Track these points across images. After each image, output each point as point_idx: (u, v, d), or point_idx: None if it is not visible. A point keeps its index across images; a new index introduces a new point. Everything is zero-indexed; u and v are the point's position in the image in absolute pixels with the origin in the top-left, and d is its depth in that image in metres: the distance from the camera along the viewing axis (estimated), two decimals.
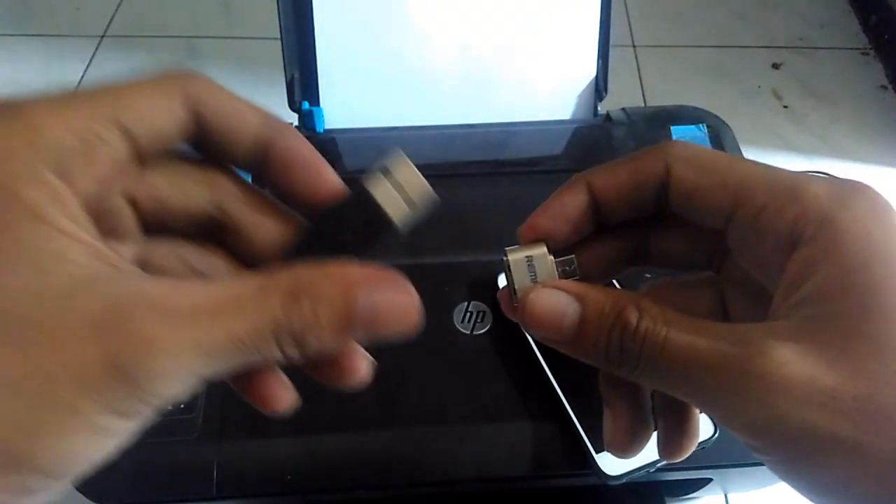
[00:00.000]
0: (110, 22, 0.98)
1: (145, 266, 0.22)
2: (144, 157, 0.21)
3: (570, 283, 0.23)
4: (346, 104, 0.60)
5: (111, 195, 0.20)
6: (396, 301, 0.20)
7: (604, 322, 0.22)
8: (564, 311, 0.22)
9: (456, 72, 0.60)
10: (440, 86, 0.60)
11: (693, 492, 0.51)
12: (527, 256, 0.25)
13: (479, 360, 0.44)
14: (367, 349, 0.22)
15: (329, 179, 0.22)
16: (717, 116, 0.59)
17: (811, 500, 0.20)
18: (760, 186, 0.22)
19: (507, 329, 0.45)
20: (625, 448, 0.26)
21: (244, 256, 0.23)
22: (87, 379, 0.16)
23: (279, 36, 0.56)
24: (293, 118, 0.60)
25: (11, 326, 0.16)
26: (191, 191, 0.22)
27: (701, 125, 0.58)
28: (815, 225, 0.21)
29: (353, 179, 0.22)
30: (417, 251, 0.47)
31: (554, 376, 0.42)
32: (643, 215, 0.25)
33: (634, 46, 0.97)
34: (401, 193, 0.22)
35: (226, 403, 0.40)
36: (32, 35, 0.96)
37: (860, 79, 0.94)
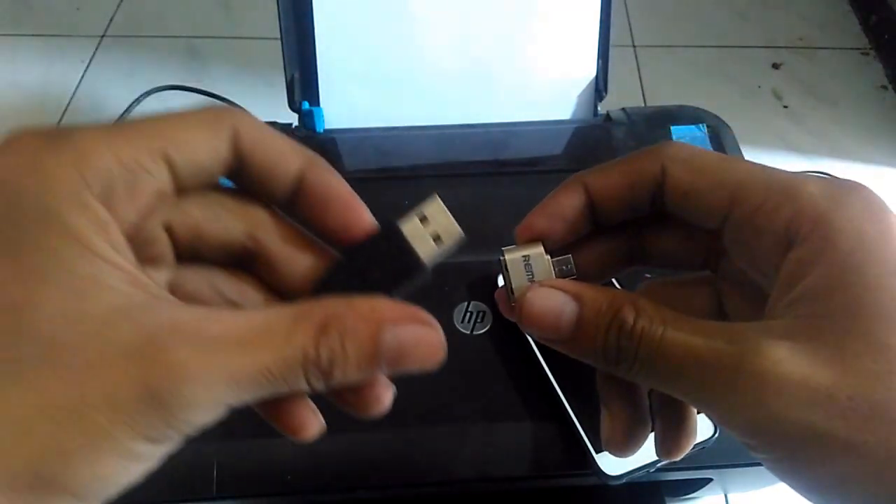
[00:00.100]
0: (110, 22, 0.98)
1: (177, 292, 0.22)
2: (185, 188, 0.21)
3: (567, 283, 0.23)
4: (346, 104, 0.60)
5: (150, 223, 0.21)
6: (422, 338, 0.20)
7: (601, 321, 0.22)
8: (562, 311, 0.22)
9: (456, 72, 0.60)
10: (440, 86, 0.60)
11: (693, 492, 0.51)
12: (524, 256, 0.25)
13: (479, 360, 0.44)
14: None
15: (363, 217, 0.23)
16: (717, 116, 0.59)
17: (808, 498, 0.21)
18: (756, 186, 0.22)
19: (507, 329, 0.45)
20: (623, 447, 0.26)
21: (274, 286, 0.24)
22: (121, 405, 0.17)
23: (279, 36, 0.56)
24: (293, 118, 0.60)
25: (49, 349, 0.17)
26: (226, 221, 0.22)
27: (701, 125, 0.58)
28: (810, 224, 0.21)
29: (388, 220, 0.23)
30: None
31: (554, 376, 0.42)
32: (640, 215, 0.25)
33: (634, 46, 0.97)
34: (430, 232, 0.23)
35: None
36: (32, 35, 0.96)
37: (860, 79, 0.94)
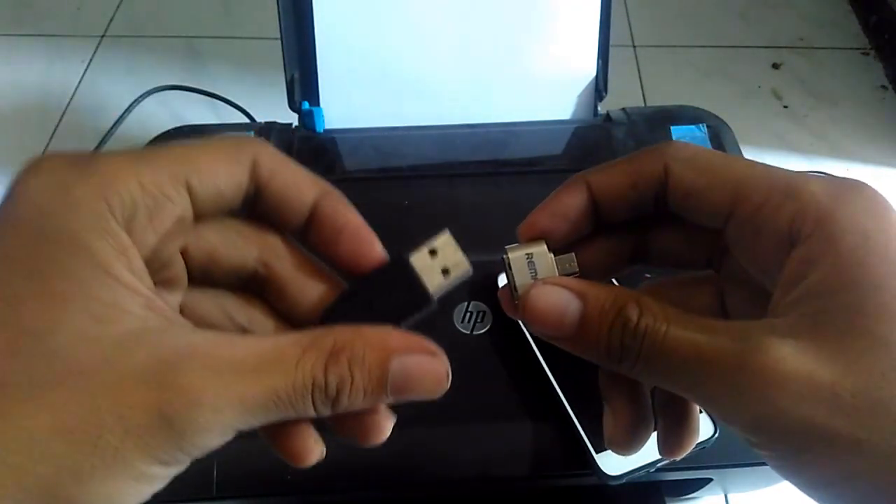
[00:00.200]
0: (110, 22, 0.98)
1: (188, 314, 0.23)
2: (204, 215, 0.22)
3: (571, 280, 0.23)
4: (346, 104, 0.60)
5: (168, 247, 0.21)
6: (427, 367, 0.21)
7: (604, 319, 0.22)
8: (566, 308, 0.23)
9: (456, 72, 0.60)
10: (440, 86, 0.60)
11: (693, 492, 0.51)
12: (527, 254, 0.25)
13: (478, 361, 0.44)
14: None
15: (374, 249, 0.23)
16: (717, 116, 0.59)
17: (810, 495, 0.21)
18: (759, 185, 0.22)
19: (507, 329, 0.45)
20: (625, 445, 0.26)
21: (283, 312, 0.24)
22: (134, 427, 0.17)
23: (279, 36, 0.56)
24: (293, 118, 0.60)
25: (67, 371, 0.17)
26: (241, 248, 0.23)
27: (701, 125, 0.58)
28: (812, 223, 0.21)
29: (397, 252, 0.24)
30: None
31: (554, 376, 0.42)
32: (642, 214, 0.25)
33: (634, 46, 0.97)
34: (439, 265, 0.23)
35: None
36: (32, 35, 0.96)
37: (860, 79, 0.94)
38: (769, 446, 0.20)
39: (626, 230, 0.26)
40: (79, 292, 0.18)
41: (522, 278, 0.25)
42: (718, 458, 0.42)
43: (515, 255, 0.25)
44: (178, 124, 0.58)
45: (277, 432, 0.22)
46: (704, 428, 0.40)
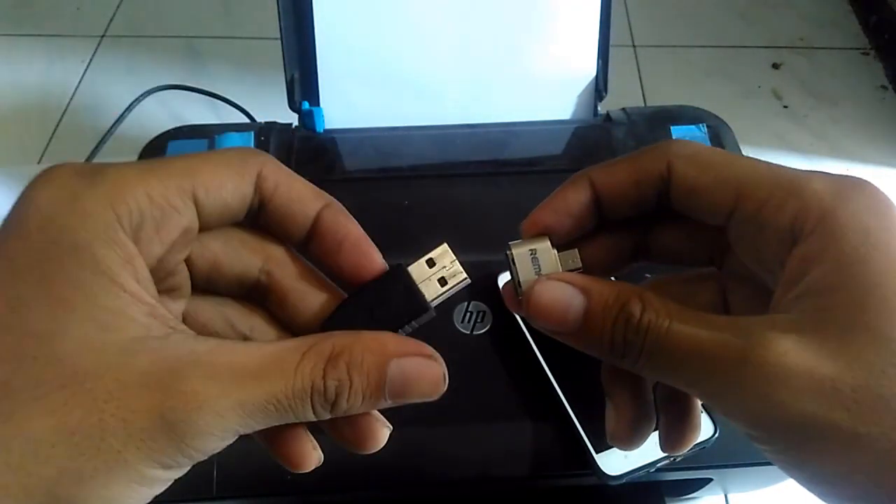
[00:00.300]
0: (110, 22, 0.98)
1: (190, 321, 0.24)
2: (209, 225, 0.22)
3: (574, 276, 0.24)
4: (346, 104, 0.60)
5: (173, 256, 0.22)
6: (424, 370, 0.21)
7: (608, 314, 0.22)
8: (569, 303, 0.23)
9: (456, 72, 0.60)
10: (440, 86, 0.60)
11: (693, 492, 0.51)
12: (531, 250, 0.25)
13: (478, 360, 0.44)
14: None
15: (374, 259, 0.24)
16: (717, 116, 0.59)
17: (811, 489, 0.21)
18: (761, 183, 0.22)
19: (507, 329, 0.45)
20: (627, 440, 0.26)
21: (284, 320, 0.25)
22: (136, 431, 0.18)
23: (279, 36, 0.56)
24: (293, 118, 0.60)
25: (71, 376, 0.18)
26: (244, 257, 0.24)
27: (701, 125, 0.58)
28: (814, 220, 0.21)
29: (397, 263, 0.24)
30: (417, 251, 0.47)
31: (554, 376, 0.42)
32: (645, 211, 0.25)
33: (634, 46, 0.97)
34: (437, 275, 0.24)
35: None
36: (32, 35, 0.96)
37: (860, 79, 0.94)
38: (770, 441, 0.20)
39: (628, 227, 0.27)
40: (85, 300, 0.18)
41: (526, 274, 0.25)
42: (718, 458, 0.42)
43: (519, 251, 0.25)
44: (178, 124, 0.58)
45: (276, 438, 0.22)
46: (705, 428, 0.40)
